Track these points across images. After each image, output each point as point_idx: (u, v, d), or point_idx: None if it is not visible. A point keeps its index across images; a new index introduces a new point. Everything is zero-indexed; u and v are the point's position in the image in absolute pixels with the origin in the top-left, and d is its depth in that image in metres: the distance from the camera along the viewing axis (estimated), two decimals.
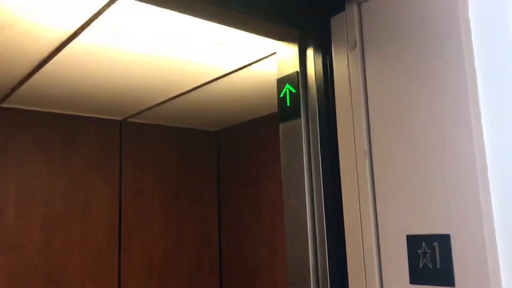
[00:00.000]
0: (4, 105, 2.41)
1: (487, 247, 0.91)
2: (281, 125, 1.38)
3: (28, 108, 2.49)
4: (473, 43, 0.97)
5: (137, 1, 1.17)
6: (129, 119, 2.82)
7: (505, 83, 1.01)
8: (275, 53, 1.60)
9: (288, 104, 1.37)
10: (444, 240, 0.98)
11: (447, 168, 0.99)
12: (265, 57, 1.91)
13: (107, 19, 1.54)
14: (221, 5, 1.22)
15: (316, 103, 1.30)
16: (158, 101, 2.48)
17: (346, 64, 1.22)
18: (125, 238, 2.74)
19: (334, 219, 1.21)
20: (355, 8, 1.20)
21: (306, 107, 1.33)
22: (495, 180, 0.93)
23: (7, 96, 2.27)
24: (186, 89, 2.29)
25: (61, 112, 2.59)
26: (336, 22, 1.27)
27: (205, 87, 2.25)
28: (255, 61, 1.95)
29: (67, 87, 2.18)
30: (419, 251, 1.02)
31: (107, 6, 1.45)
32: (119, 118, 2.79)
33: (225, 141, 3.22)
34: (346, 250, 1.16)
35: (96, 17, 1.52)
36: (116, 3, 1.43)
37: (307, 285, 1.20)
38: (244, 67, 2.01)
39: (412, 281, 1.03)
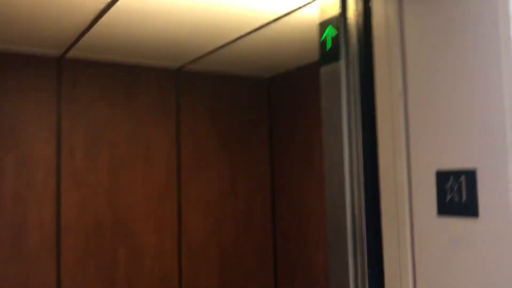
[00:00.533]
0: (69, 55, 2.60)
1: (509, 182, 0.95)
2: (322, 69, 1.44)
3: (91, 58, 2.67)
4: None
5: None
6: (185, 68, 2.94)
7: None
8: None
9: (328, 47, 1.41)
10: (470, 175, 1.03)
11: (476, 108, 1.02)
12: (313, 1, 1.94)
13: None
14: None
15: (356, 46, 1.34)
16: (213, 48, 2.58)
17: (385, 7, 1.25)
18: (184, 180, 2.94)
19: (370, 157, 1.28)
20: None
21: (346, 50, 1.38)
22: None
23: (72, 45, 2.44)
24: (239, 35, 2.36)
25: (122, 61, 2.75)
26: None
27: (257, 31, 2.32)
28: (306, 4, 1.98)
29: (127, 35, 2.32)
30: (446, 185, 1.08)
31: None
32: (176, 67, 2.92)
33: (277, 87, 3.29)
34: (380, 185, 1.24)
35: None
36: None
37: (343, 212, 1.29)
38: (295, 10, 2.05)
39: (439, 213, 1.09)
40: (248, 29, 2.30)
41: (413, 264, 1.15)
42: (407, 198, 1.16)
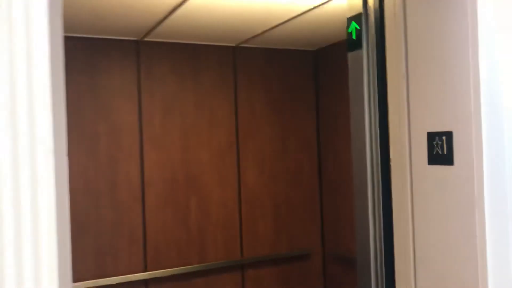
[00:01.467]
0: (146, 39, 3.13)
1: (473, 140, 1.38)
2: (348, 54, 1.86)
3: (164, 40, 3.19)
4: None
5: None
6: (241, 45, 3.41)
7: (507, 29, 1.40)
8: None
9: (354, 37, 1.83)
10: (448, 135, 1.45)
11: (453, 88, 1.43)
12: None
13: None
14: None
15: (374, 37, 1.76)
16: (264, 29, 3.02)
17: (393, 5, 1.65)
18: (242, 141, 3.46)
19: (383, 122, 1.72)
20: None
21: (367, 40, 1.79)
22: (486, 95, 1.37)
23: (149, 32, 2.97)
24: (287, 18, 2.80)
25: (189, 42, 3.26)
26: None
27: (304, 14, 2.74)
28: None
29: (194, 23, 2.80)
30: (433, 142, 1.51)
31: None
32: (233, 44, 3.39)
33: (322, 58, 3.70)
34: (390, 141, 1.68)
35: None
36: None
37: (364, 158, 1.75)
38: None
39: (429, 163, 1.53)
40: (295, 14, 2.72)
41: (411, 198, 1.60)
42: (408, 151, 1.60)
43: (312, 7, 2.61)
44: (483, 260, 1.38)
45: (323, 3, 2.56)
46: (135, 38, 3.11)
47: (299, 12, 2.71)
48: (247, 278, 3.50)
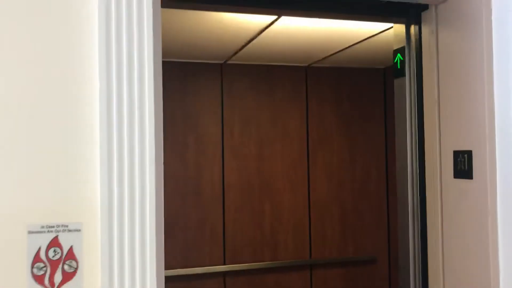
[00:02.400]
0: (229, 62, 3.61)
1: (488, 159, 1.63)
2: (395, 80, 2.16)
3: (243, 63, 3.64)
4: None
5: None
6: (312, 65, 3.77)
7: None
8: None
9: (398, 67, 2.13)
10: (469, 153, 1.72)
11: (474, 113, 1.70)
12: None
13: (286, 21, 2.48)
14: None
15: (414, 66, 2.05)
16: (334, 51, 3.37)
17: (428, 42, 1.94)
18: (312, 151, 3.82)
19: (421, 139, 2.00)
20: (433, 9, 1.89)
21: (409, 69, 2.08)
22: (500, 120, 1.62)
23: (231, 56, 3.43)
24: (354, 42, 3.12)
25: (265, 63, 3.68)
26: (424, 15, 1.97)
27: (370, 38, 3.05)
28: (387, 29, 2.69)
29: (271, 47, 3.22)
30: (458, 159, 1.77)
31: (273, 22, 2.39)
32: (305, 65, 3.77)
33: (391, 76, 3.94)
34: (425, 156, 1.96)
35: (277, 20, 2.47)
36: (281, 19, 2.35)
37: (406, 169, 2.04)
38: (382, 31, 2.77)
39: (454, 176, 1.79)
40: (365, 37, 3.03)
41: (441, 207, 1.87)
42: (438, 166, 1.88)
43: (380, 31, 2.91)
44: (495, 261, 1.63)
45: (388, 28, 2.86)
46: (219, 62, 3.60)
47: (368, 35, 3.01)
48: (315, 277, 3.83)
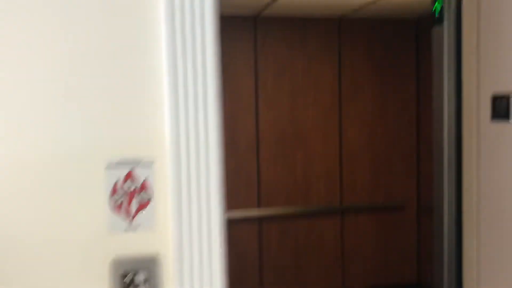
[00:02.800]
0: (262, 15, 3.65)
1: None
2: (433, 29, 2.20)
3: (276, 16, 3.68)
4: None
5: None
6: (345, 16, 3.78)
7: None
8: None
9: (437, 14, 2.16)
10: (507, 97, 1.78)
11: (509, 58, 1.74)
12: None
13: None
14: None
15: (453, 14, 2.08)
16: (368, 1, 3.37)
17: None
18: (344, 102, 3.88)
19: (458, 84, 2.06)
20: None
21: (448, 17, 2.11)
22: None
23: (264, 7, 3.47)
24: None
25: (297, 15, 3.71)
26: None
27: None
28: None
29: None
30: (496, 103, 1.84)
31: None
32: (337, 16, 3.78)
33: (423, 25, 3.93)
34: (463, 100, 2.02)
35: None
36: None
37: (442, 113, 2.12)
38: None
39: (492, 119, 1.86)
40: None
41: (478, 145, 1.95)
42: (475, 107, 1.94)
43: None
44: None
45: None
46: (253, 14, 3.64)
47: None
48: (346, 222, 3.99)
